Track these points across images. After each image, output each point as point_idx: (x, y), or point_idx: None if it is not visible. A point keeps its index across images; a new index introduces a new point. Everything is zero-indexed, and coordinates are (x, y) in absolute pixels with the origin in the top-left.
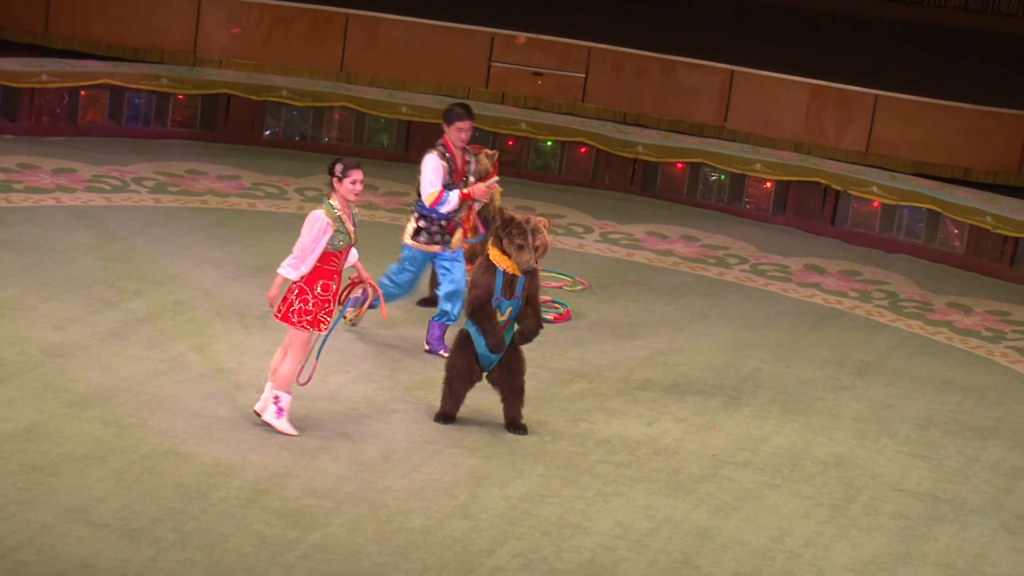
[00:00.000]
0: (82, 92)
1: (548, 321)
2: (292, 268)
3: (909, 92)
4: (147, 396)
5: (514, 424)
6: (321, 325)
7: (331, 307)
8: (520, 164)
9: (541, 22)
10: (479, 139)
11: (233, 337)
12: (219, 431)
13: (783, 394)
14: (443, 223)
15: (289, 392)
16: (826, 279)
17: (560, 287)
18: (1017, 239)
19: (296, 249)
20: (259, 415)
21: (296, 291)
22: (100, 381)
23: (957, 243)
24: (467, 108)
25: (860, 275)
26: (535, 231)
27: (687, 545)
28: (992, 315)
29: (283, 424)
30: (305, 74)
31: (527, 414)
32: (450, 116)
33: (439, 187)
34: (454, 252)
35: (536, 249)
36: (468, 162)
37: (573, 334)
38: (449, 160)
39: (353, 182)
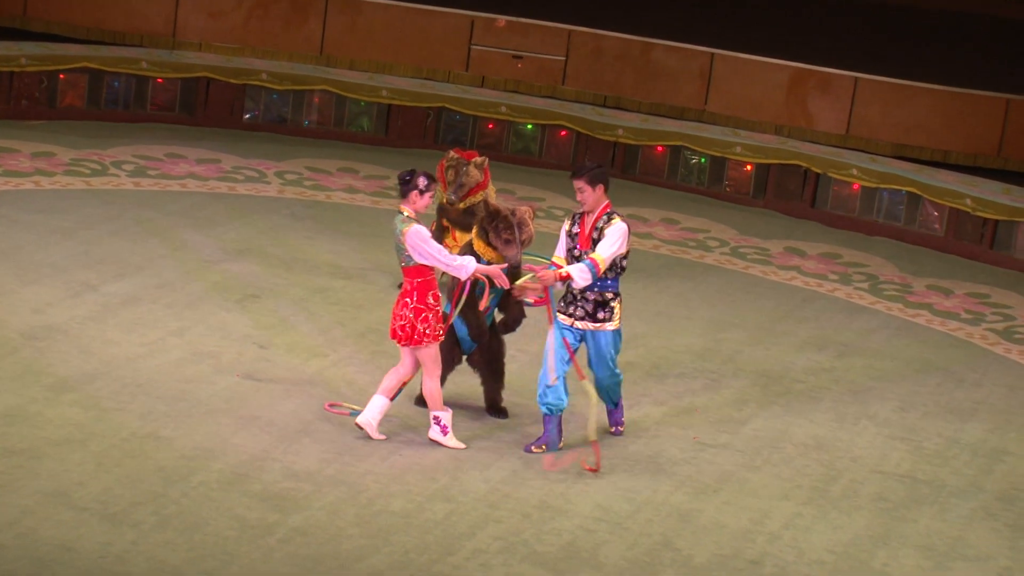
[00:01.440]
0: (61, 76)
1: (528, 304)
2: (464, 268)
3: (889, 75)
4: (127, 380)
5: (494, 407)
6: (440, 332)
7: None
8: (501, 147)
9: (521, 5)
10: (459, 124)
11: (213, 321)
12: (199, 415)
13: (763, 377)
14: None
15: (445, 409)
16: (806, 262)
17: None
18: (996, 221)
19: (441, 261)
20: (359, 427)
21: (413, 312)
22: (80, 365)
23: (937, 225)
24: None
25: (840, 258)
26: (521, 224)
27: (667, 527)
28: (971, 297)
29: (451, 440)
30: (285, 57)
31: (507, 397)
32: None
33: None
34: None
35: (523, 243)
36: (458, 175)
37: None
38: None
39: (431, 197)
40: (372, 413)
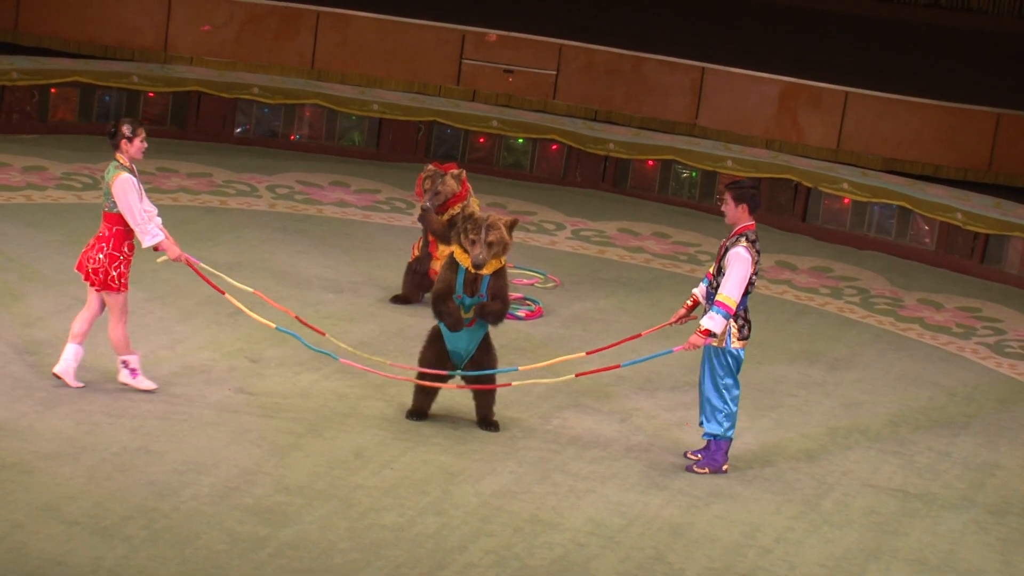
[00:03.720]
0: (52, 90)
1: (520, 318)
2: (150, 236)
3: (880, 89)
4: (118, 394)
5: (485, 421)
6: (124, 284)
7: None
8: (492, 162)
9: (512, 19)
10: (451, 138)
11: (204, 334)
12: (190, 428)
13: (754, 390)
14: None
15: (133, 352)
16: (797, 276)
17: (532, 284)
18: (987, 235)
19: (136, 219)
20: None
21: (108, 258)
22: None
23: (928, 240)
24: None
25: (831, 271)
26: (490, 227)
27: (659, 541)
28: (962, 311)
29: (142, 382)
30: (276, 71)
31: (499, 411)
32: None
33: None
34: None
35: (490, 245)
36: (434, 184)
37: (545, 331)
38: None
39: (142, 140)
40: (68, 363)
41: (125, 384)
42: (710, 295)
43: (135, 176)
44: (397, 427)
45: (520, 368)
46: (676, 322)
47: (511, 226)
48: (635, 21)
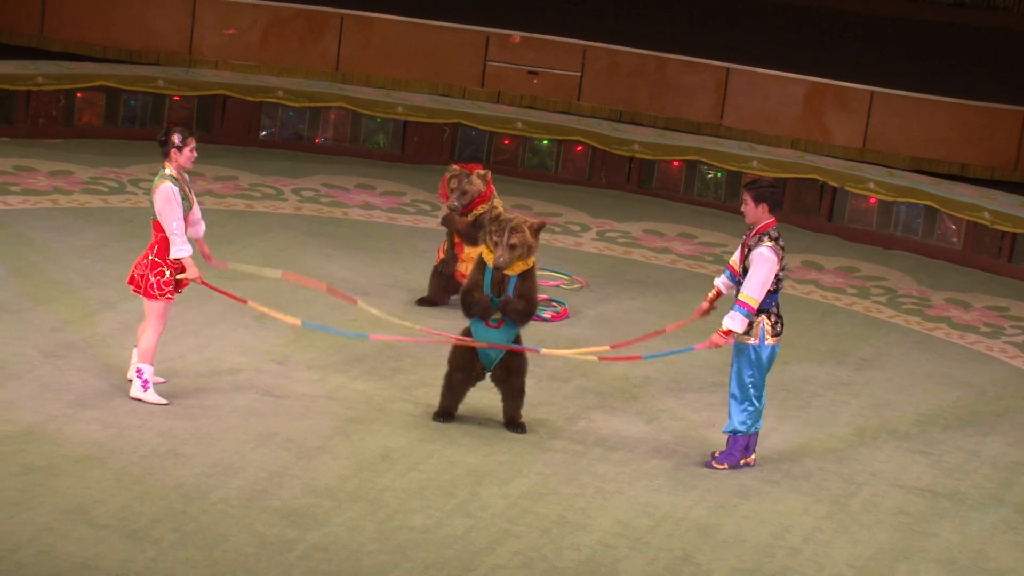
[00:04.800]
0: (78, 94)
1: (546, 319)
2: (178, 249)
3: (906, 88)
4: None
5: (513, 423)
6: (171, 295)
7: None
8: (516, 163)
9: (536, 21)
10: (475, 140)
11: (232, 337)
12: (218, 431)
13: (782, 391)
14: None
15: (150, 364)
16: (824, 276)
17: (557, 285)
18: (1015, 234)
19: (169, 228)
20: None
21: (149, 265)
22: (99, 382)
23: (955, 239)
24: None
25: (858, 271)
26: (513, 230)
27: (687, 542)
28: (990, 310)
29: (151, 396)
30: (301, 74)
31: (526, 412)
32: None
33: None
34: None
35: (512, 247)
36: (460, 183)
37: (571, 332)
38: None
39: (192, 150)
40: (142, 386)
41: (136, 399)
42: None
43: (183, 184)
44: (424, 429)
45: (543, 351)
46: (700, 317)
47: (537, 229)
48: (659, 22)
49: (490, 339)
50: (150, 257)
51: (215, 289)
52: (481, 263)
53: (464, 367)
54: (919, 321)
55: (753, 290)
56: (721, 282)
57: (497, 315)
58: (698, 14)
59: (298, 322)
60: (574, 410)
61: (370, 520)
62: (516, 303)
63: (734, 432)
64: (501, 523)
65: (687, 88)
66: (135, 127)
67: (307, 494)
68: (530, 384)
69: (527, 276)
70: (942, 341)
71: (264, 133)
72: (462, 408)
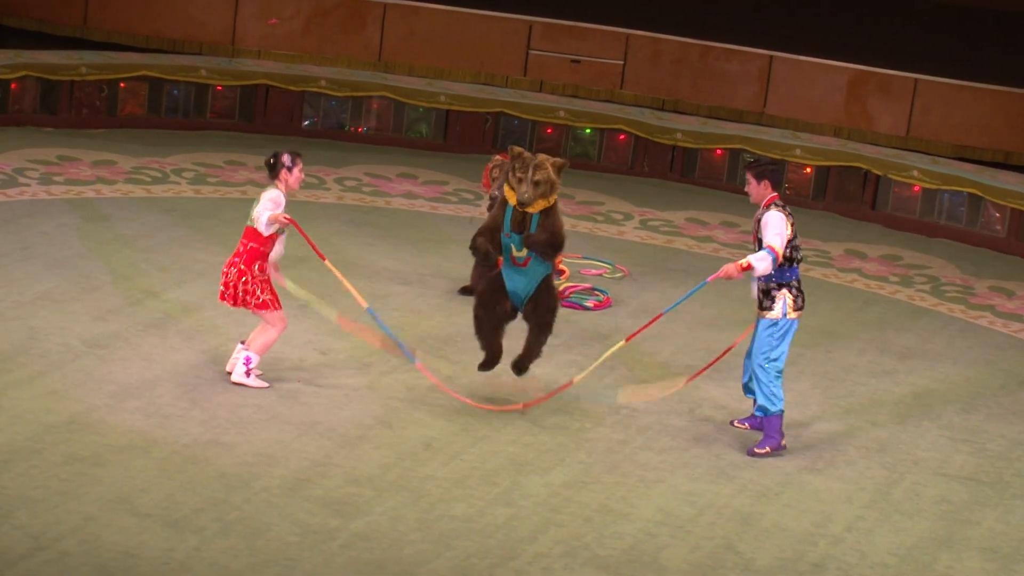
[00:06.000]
0: (121, 84)
1: (588, 308)
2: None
3: (949, 76)
4: (189, 386)
5: (519, 366)
6: (277, 303)
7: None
8: (559, 152)
9: (579, 10)
10: (518, 129)
11: None
12: (260, 420)
13: (825, 379)
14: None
15: (258, 355)
16: (867, 264)
17: (600, 274)
18: None
19: (262, 219)
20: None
21: (237, 273)
22: (142, 372)
23: (999, 227)
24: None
25: (901, 260)
26: (537, 167)
27: (729, 531)
28: None
29: (253, 380)
30: (343, 64)
31: (567, 404)
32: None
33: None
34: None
35: (536, 184)
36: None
37: (613, 321)
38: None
39: (301, 171)
40: (239, 367)
41: (239, 383)
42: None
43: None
44: (466, 418)
45: (574, 380)
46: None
47: (560, 167)
48: (702, 10)
49: (517, 281)
50: (240, 267)
51: (303, 233)
52: (503, 201)
53: (487, 303)
54: (963, 309)
55: (773, 240)
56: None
57: (523, 252)
58: (741, 2)
59: (365, 304)
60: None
61: (412, 509)
62: (538, 235)
63: (765, 413)
64: (543, 512)
65: (730, 76)
66: (178, 117)
67: (349, 483)
68: (571, 373)
69: (549, 212)
70: (985, 329)
71: (306, 123)
72: (501, 397)
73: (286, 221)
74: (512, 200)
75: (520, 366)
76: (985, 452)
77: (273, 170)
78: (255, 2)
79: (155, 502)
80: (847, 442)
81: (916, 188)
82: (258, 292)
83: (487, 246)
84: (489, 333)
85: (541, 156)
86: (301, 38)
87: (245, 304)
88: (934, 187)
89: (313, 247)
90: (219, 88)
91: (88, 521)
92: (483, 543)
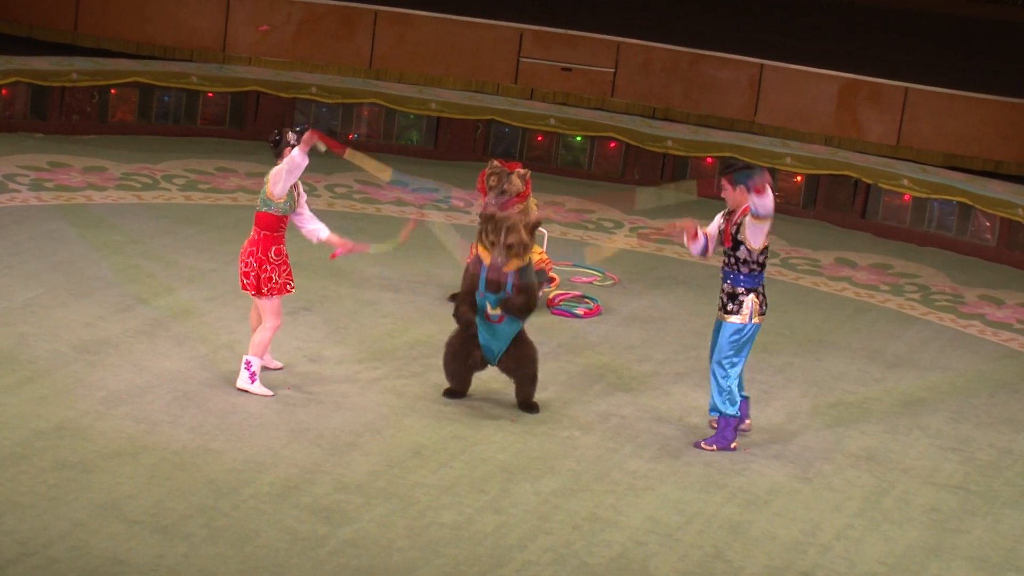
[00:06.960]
0: (112, 90)
1: (578, 316)
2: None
3: (940, 85)
4: (178, 393)
5: (526, 404)
6: (288, 286)
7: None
8: (549, 160)
9: (570, 17)
10: (508, 136)
11: None
12: (250, 427)
13: (814, 387)
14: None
15: (259, 358)
16: (857, 272)
17: (590, 282)
18: None
19: (287, 169)
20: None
21: (257, 262)
22: (131, 378)
23: (988, 236)
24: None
25: (891, 268)
26: (510, 229)
27: (718, 539)
28: None
29: (258, 388)
30: (334, 71)
31: (557, 408)
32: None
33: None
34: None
35: (509, 247)
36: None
37: (603, 329)
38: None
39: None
40: (249, 378)
41: (243, 390)
42: (727, 274)
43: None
44: (456, 426)
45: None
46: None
47: (533, 227)
48: (693, 18)
49: (493, 334)
50: (258, 254)
51: (324, 138)
52: (477, 260)
53: (458, 353)
54: (952, 318)
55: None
56: (703, 231)
57: (498, 310)
58: (732, 10)
59: (387, 176)
60: (605, 407)
61: (401, 516)
62: (515, 299)
63: (721, 414)
64: (532, 520)
65: (721, 84)
66: (168, 123)
67: (338, 490)
68: (561, 380)
69: (524, 271)
70: (975, 338)
71: (298, 129)
72: (491, 406)
73: (313, 139)
74: (486, 260)
75: (530, 406)
76: (974, 461)
77: (277, 147)
78: (246, 9)
79: (144, 508)
80: (836, 450)
81: (906, 197)
82: (274, 277)
83: (469, 315)
84: (459, 380)
85: (513, 217)
86: (292, 45)
87: (268, 293)
88: (924, 196)
89: (332, 145)
90: (210, 95)
91: (77, 527)
92: (472, 550)
